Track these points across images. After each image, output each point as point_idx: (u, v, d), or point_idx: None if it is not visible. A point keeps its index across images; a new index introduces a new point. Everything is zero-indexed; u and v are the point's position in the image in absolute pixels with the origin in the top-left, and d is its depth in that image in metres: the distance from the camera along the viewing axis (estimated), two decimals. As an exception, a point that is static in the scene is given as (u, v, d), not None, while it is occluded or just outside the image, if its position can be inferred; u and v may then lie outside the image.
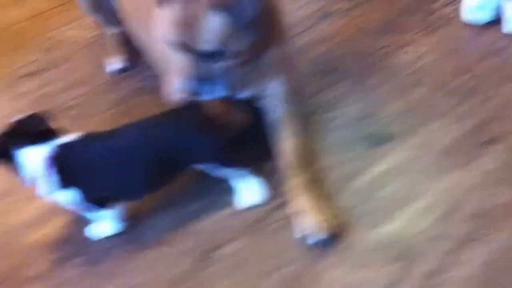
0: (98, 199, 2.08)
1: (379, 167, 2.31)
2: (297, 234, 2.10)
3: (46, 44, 2.89)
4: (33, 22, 2.99)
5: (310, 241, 2.08)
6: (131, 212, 2.21)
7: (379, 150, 2.36)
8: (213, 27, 1.99)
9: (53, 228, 2.19)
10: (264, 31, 2.14)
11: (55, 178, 2.01)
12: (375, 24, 2.90)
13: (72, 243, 2.15)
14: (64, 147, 2.03)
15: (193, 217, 2.20)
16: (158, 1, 2.05)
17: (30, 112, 2.08)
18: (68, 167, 2.02)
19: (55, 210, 2.23)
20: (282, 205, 2.20)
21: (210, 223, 2.18)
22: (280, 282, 2.01)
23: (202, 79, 2.07)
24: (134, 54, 2.72)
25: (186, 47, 2.03)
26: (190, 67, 2.05)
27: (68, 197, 2.05)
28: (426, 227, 2.11)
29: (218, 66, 2.07)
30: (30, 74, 2.69)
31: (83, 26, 2.99)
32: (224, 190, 2.25)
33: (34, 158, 2.00)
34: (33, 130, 2.02)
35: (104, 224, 2.16)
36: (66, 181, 2.02)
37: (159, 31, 2.08)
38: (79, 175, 2.03)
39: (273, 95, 2.30)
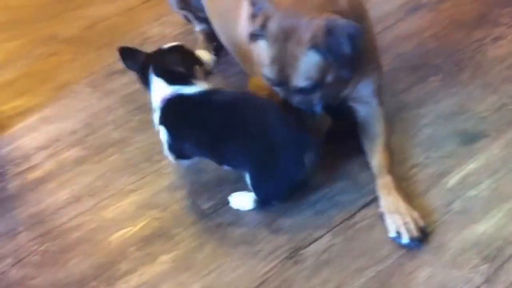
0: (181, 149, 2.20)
1: (472, 165, 2.26)
2: (390, 234, 2.07)
3: (138, 40, 2.91)
4: (124, 17, 3.03)
5: (403, 241, 2.05)
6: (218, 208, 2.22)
7: (472, 147, 2.32)
8: (311, 66, 1.98)
9: (143, 224, 2.21)
10: (362, 61, 2.13)
11: (159, 115, 2.18)
12: (467, 17, 2.84)
13: (162, 239, 2.16)
14: (181, 97, 2.15)
15: (281, 215, 2.19)
16: (250, 37, 2.05)
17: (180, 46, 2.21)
18: (170, 112, 2.16)
19: (146, 205, 2.27)
20: (370, 203, 2.18)
21: (297, 221, 2.16)
22: (370, 281, 1.99)
23: (298, 104, 2.10)
24: (220, 50, 2.73)
25: (282, 83, 2.04)
26: (285, 97, 2.09)
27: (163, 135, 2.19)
28: (521, 226, 2.06)
29: (314, 96, 2.08)
30: (123, 71, 2.72)
31: (170, 22, 3.01)
32: (307, 189, 2.24)
33: (158, 91, 2.17)
34: (174, 66, 2.15)
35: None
36: (163, 120, 2.18)
37: (254, 59, 2.10)
38: (172, 121, 2.17)
39: (362, 95, 2.27)
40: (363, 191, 2.23)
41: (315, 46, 1.95)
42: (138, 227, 2.21)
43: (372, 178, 2.22)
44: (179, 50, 2.20)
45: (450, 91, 2.52)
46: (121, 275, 2.08)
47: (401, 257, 2.03)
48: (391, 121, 2.42)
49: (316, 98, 2.10)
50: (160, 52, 2.20)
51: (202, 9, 2.65)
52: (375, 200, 2.18)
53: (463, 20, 2.78)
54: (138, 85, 2.62)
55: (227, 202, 2.23)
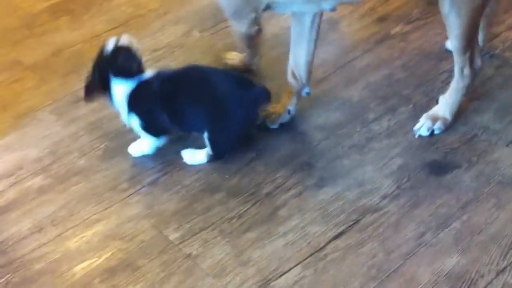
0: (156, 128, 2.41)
1: (444, 196, 2.26)
2: None
3: (103, 67, 2.87)
4: (90, 44, 2.99)
5: None
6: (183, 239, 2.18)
7: (443, 178, 2.31)
8: None
9: (108, 255, 2.16)
10: None
11: (128, 106, 2.37)
12: (436, 48, 2.84)
13: (128, 271, 2.11)
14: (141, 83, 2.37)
15: (250, 246, 2.15)
16: None
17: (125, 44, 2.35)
18: (135, 99, 2.36)
19: (111, 235, 2.21)
20: (341, 234, 2.16)
21: (267, 253, 2.13)
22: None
23: None
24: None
25: None
26: None
27: (133, 123, 2.39)
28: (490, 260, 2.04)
29: None
30: (89, 97, 2.69)
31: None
32: (280, 218, 2.22)
33: (120, 90, 2.35)
34: (126, 64, 2.34)
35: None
36: (133, 108, 2.37)
37: None
38: (140, 106, 2.37)
39: None
40: (334, 222, 2.20)
41: None
42: (103, 258, 2.15)
43: (342, 210, 2.21)
44: (123, 48, 2.35)
45: (420, 122, 2.52)
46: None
47: (373, 291, 2.01)
48: (361, 151, 2.41)
49: None
50: (111, 56, 2.34)
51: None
52: (346, 231, 2.16)
53: (432, 51, 2.79)
54: (104, 112, 2.61)
55: (195, 232, 2.19)
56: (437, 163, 2.36)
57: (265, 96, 2.35)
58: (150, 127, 2.40)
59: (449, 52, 2.72)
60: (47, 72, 2.91)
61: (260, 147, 2.46)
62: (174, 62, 2.87)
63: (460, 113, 2.48)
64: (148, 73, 2.39)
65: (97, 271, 2.11)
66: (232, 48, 2.86)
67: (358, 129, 2.50)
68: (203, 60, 2.86)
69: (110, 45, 2.34)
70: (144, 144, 2.44)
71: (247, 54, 2.72)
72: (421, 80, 2.70)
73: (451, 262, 2.05)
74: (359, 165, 2.38)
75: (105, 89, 2.37)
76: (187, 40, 3.00)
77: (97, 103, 2.58)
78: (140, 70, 2.37)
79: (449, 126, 2.47)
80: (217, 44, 2.97)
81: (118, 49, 2.34)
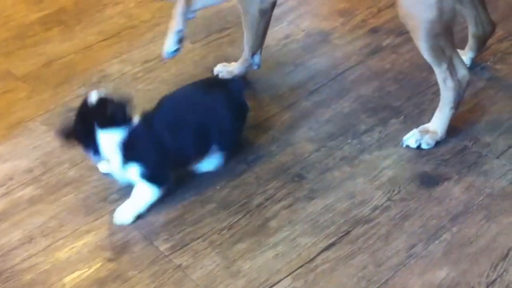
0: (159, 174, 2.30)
1: (434, 208, 2.25)
2: None
3: (96, 78, 2.87)
4: (81, 55, 2.99)
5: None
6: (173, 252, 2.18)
7: (433, 190, 2.31)
8: None
9: (98, 266, 2.15)
10: None
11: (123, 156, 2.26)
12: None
13: (118, 282, 2.10)
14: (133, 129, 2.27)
15: (241, 257, 2.14)
16: None
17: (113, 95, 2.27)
18: (132, 147, 2.26)
19: (101, 246, 2.21)
20: (331, 246, 2.15)
21: (257, 264, 2.12)
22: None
23: None
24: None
25: None
26: None
27: (131, 172, 2.27)
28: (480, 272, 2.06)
29: None
30: (78, 109, 2.69)
31: (130, 60, 2.98)
32: (271, 229, 2.22)
33: (109, 140, 2.23)
34: (115, 113, 2.24)
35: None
36: (128, 157, 2.26)
37: None
38: (140, 153, 2.28)
39: None
40: (324, 233, 2.20)
41: None
42: (93, 269, 2.14)
43: (332, 222, 2.21)
44: (106, 99, 2.25)
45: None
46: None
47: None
48: (352, 163, 2.41)
49: None
50: (97, 107, 2.24)
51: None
52: (336, 242, 2.15)
53: (423, 63, 2.75)
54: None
55: (186, 243, 2.19)
56: (428, 175, 2.36)
57: (243, 84, 2.55)
58: (154, 173, 2.28)
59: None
60: (38, 83, 2.90)
61: (251, 158, 2.46)
62: (166, 74, 2.88)
63: (450, 126, 2.49)
64: (135, 119, 2.29)
65: (87, 282, 2.11)
66: (223, 59, 2.86)
67: (349, 141, 2.50)
68: (194, 71, 2.87)
69: (93, 96, 2.25)
70: (133, 207, 2.29)
71: (246, 53, 2.75)
72: (412, 92, 2.70)
73: (441, 274, 2.05)
74: (350, 177, 2.38)
75: (87, 141, 2.27)
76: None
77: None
78: (129, 118, 2.27)
79: (441, 141, 2.47)
80: (208, 56, 2.97)
81: (104, 100, 2.25)
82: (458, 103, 2.42)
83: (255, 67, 2.77)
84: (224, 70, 2.80)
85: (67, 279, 2.12)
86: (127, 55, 2.98)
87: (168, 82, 2.84)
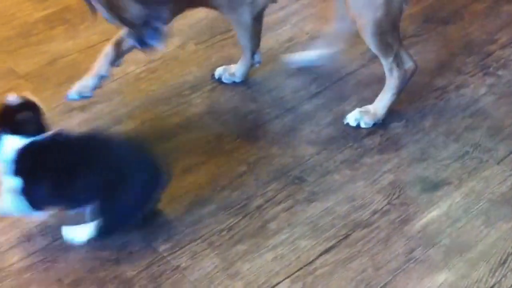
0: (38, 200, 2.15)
1: (434, 213, 2.25)
2: None
3: (97, 77, 2.87)
4: (84, 54, 2.99)
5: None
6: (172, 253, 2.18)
7: (434, 195, 2.31)
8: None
9: (97, 266, 2.16)
10: None
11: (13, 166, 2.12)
12: (430, 64, 2.85)
13: (116, 282, 2.10)
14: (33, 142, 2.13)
15: (240, 259, 2.14)
16: None
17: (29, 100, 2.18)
18: (23, 158, 2.11)
19: (99, 246, 2.20)
20: (330, 249, 2.16)
21: (256, 266, 2.12)
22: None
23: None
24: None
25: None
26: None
27: (13, 186, 2.13)
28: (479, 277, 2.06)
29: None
30: (82, 107, 2.68)
31: (133, 60, 2.97)
32: (270, 231, 2.22)
33: (9, 145, 2.11)
34: (25, 121, 2.13)
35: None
36: (17, 169, 2.12)
37: None
38: (28, 168, 2.12)
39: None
40: (323, 236, 2.20)
41: None
42: (91, 269, 2.15)
43: (332, 225, 2.21)
44: (24, 106, 2.16)
45: (413, 138, 2.52)
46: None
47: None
48: (353, 166, 2.41)
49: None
50: (7, 114, 2.14)
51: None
52: (335, 246, 2.15)
53: (426, 68, 2.79)
54: (96, 123, 2.61)
55: (184, 244, 2.19)
56: (428, 179, 2.36)
57: (165, 183, 2.21)
58: (29, 195, 2.15)
59: (443, 69, 2.75)
60: (41, 81, 2.90)
61: (251, 160, 2.46)
62: (169, 74, 2.88)
63: (452, 131, 2.49)
64: (49, 133, 2.17)
65: (87, 282, 2.11)
66: (227, 60, 2.86)
67: (350, 144, 2.50)
68: (197, 72, 2.86)
69: (11, 101, 2.15)
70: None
71: (247, 56, 2.75)
72: (415, 96, 2.70)
73: (440, 278, 2.05)
74: (350, 180, 2.38)
75: None
76: (183, 52, 3.00)
77: (90, 113, 2.58)
78: (40, 129, 2.16)
79: (378, 122, 2.56)
80: (212, 57, 2.97)
81: (20, 106, 2.15)
82: (401, 90, 2.55)
83: (257, 65, 2.78)
84: (226, 72, 2.80)
85: (66, 279, 2.12)
86: (130, 55, 2.97)
87: (171, 83, 2.85)
